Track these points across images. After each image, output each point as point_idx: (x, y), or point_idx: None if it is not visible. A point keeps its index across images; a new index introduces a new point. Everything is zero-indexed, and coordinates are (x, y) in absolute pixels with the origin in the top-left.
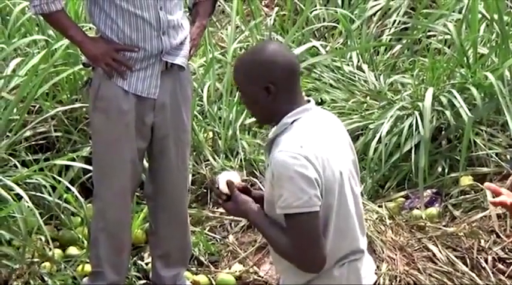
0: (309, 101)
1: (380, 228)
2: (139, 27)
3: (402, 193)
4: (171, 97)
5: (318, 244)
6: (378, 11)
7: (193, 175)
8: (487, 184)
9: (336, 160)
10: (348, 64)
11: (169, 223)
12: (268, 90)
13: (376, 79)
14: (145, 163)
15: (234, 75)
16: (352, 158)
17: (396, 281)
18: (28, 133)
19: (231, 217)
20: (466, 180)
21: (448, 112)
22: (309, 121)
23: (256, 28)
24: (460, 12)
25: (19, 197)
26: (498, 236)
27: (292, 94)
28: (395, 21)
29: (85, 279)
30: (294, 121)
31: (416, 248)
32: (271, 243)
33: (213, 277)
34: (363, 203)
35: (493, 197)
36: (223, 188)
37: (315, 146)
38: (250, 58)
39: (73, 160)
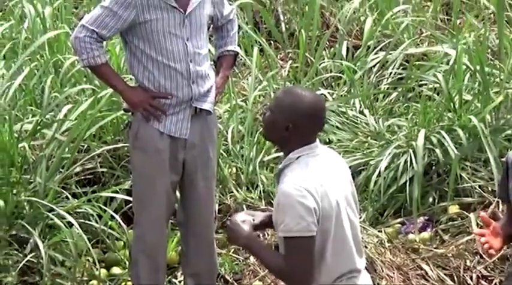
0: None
1: (380, 250)
2: (173, 77)
3: (399, 220)
4: (199, 137)
5: (311, 265)
6: (377, 63)
7: (219, 205)
8: (482, 214)
9: (333, 192)
10: (352, 109)
11: (198, 246)
12: (287, 128)
13: (376, 122)
14: (178, 194)
15: (275, 99)
16: (351, 190)
17: None
18: (78, 169)
19: None
20: (454, 209)
21: (437, 150)
22: (312, 157)
23: (273, 78)
24: (447, 64)
25: (70, 225)
26: (482, 257)
27: (306, 136)
28: (392, 72)
29: None
30: (299, 157)
31: (411, 267)
32: (265, 263)
33: None
34: (365, 228)
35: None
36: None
37: (315, 180)
38: (291, 97)
39: (116, 192)
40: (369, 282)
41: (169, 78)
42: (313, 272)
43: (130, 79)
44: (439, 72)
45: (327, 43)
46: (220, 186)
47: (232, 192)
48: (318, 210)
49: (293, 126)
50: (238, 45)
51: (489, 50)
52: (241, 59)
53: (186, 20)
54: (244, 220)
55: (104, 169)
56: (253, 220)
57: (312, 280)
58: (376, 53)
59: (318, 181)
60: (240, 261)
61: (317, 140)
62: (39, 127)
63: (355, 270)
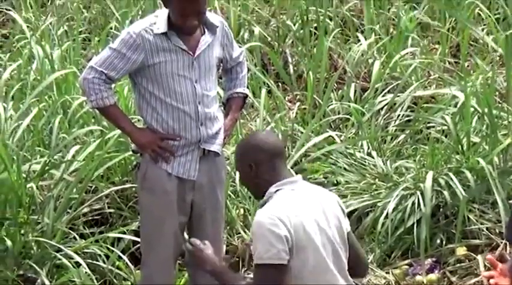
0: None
1: None
2: (181, 119)
3: (406, 261)
4: (208, 179)
5: None
6: (385, 105)
7: (227, 246)
8: (488, 256)
9: (311, 224)
10: (360, 151)
11: None
12: (251, 168)
13: (384, 164)
14: (186, 235)
15: (235, 155)
16: (337, 224)
17: None
18: (86, 210)
19: None
20: (461, 250)
21: (445, 192)
22: (290, 191)
23: (281, 120)
24: (455, 106)
25: (78, 265)
26: None
27: (275, 171)
28: (400, 114)
29: None
30: (277, 190)
31: None
32: None
33: None
34: (372, 269)
35: (487, 268)
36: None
37: (290, 210)
38: (242, 144)
39: (124, 232)
40: None
41: (177, 119)
42: None
43: (139, 120)
44: (447, 115)
45: (335, 85)
46: (228, 227)
47: (239, 233)
48: (290, 239)
49: (254, 164)
50: (247, 87)
51: (497, 93)
52: (249, 101)
53: (194, 62)
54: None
55: (112, 210)
56: None
57: None
58: (384, 95)
59: (293, 211)
60: None
61: (299, 176)
62: (47, 168)
63: None
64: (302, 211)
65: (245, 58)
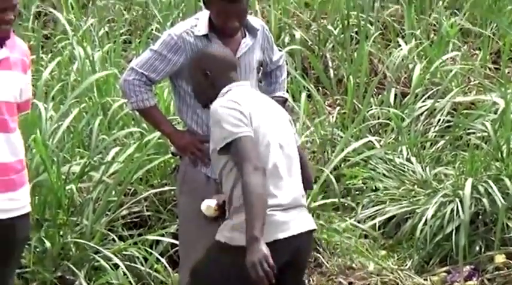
0: None
1: None
2: None
3: (444, 269)
4: None
5: (258, 157)
6: (425, 111)
7: None
8: None
9: (260, 112)
10: (399, 157)
11: None
12: (206, 76)
13: (423, 170)
14: None
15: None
16: (290, 129)
17: None
18: (124, 212)
19: None
20: (500, 258)
21: (484, 200)
22: (239, 89)
23: (321, 124)
24: (495, 113)
25: (116, 267)
26: None
27: (225, 76)
28: (439, 120)
29: None
30: (229, 90)
31: None
32: (254, 204)
33: None
34: (410, 276)
35: None
36: (205, 211)
37: (243, 98)
38: (199, 53)
39: (162, 235)
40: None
41: None
42: (261, 163)
43: (179, 122)
44: (487, 121)
45: (375, 90)
46: None
47: None
48: (248, 117)
49: (210, 72)
50: (287, 91)
51: None
52: (289, 104)
53: None
54: (208, 204)
55: (150, 213)
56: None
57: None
58: (424, 101)
59: (246, 99)
60: None
61: (247, 82)
62: (86, 170)
63: (282, 204)
64: (253, 104)
65: (285, 62)
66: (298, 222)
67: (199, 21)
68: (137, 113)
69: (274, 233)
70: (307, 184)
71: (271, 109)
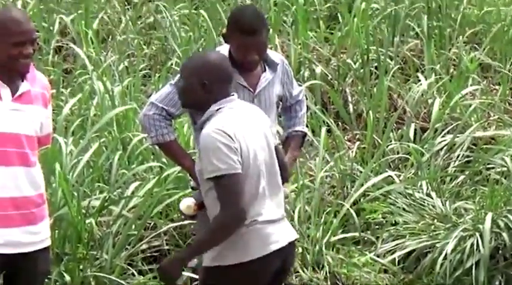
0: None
1: None
2: None
3: None
4: None
5: (242, 199)
6: (444, 145)
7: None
8: None
9: (250, 138)
10: (419, 191)
11: None
12: (203, 86)
13: (443, 205)
14: None
15: (183, 68)
16: (271, 141)
17: None
18: (144, 246)
19: None
20: None
21: (505, 234)
22: (230, 109)
23: (340, 159)
24: None
25: None
26: None
27: (220, 89)
28: (459, 154)
29: None
30: (219, 109)
31: None
32: (208, 240)
33: None
34: None
35: None
36: (185, 211)
37: (234, 125)
38: (199, 59)
39: (182, 270)
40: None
41: None
42: (244, 206)
43: None
44: (507, 156)
45: (395, 125)
46: None
47: (298, 272)
48: (238, 151)
49: (208, 82)
50: (306, 126)
51: None
52: (308, 139)
53: (255, 99)
54: (188, 204)
55: (170, 247)
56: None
57: (245, 214)
58: (443, 136)
59: (236, 126)
60: None
61: (235, 95)
62: (106, 204)
63: (267, 218)
64: (242, 127)
65: (305, 97)
66: (285, 233)
67: None
68: (157, 147)
69: (268, 245)
70: (283, 179)
71: (255, 128)
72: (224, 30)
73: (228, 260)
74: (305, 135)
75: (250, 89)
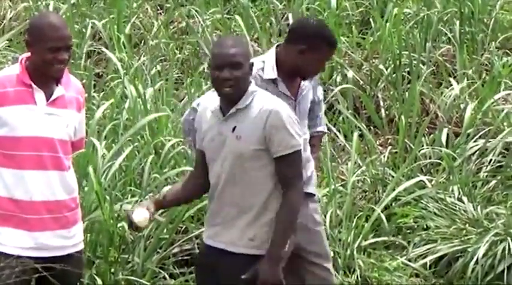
0: None
1: None
2: None
3: None
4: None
5: None
6: (476, 150)
7: None
8: None
9: None
10: (450, 196)
11: None
12: (250, 67)
13: (474, 209)
14: None
15: (233, 56)
16: None
17: None
18: (176, 250)
19: None
20: None
21: None
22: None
23: (372, 164)
24: None
25: None
26: None
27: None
28: (491, 160)
29: None
30: (256, 91)
31: None
32: (291, 221)
33: None
34: None
35: None
36: (140, 223)
37: None
38: (242, 43)
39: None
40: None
41: None
42: None
43: None
44: None
45: (426, 129)
46: None
47: None
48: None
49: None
50: (338, 130)
51: None
52: (340, 144)
53: (296, 107)
54: (145, 216)
55: None
56: (151, 209)
57: None
58: (475, 141)
59: None
60: None
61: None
62: None
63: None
64: None
65: (323, 96)
66: None
67: (266, 65)
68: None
69: None
70: None
71: None
72: (301, 46)
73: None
74: (324, 134)
75: (292, 98)
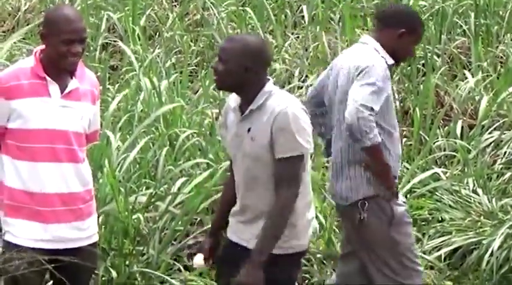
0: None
1: None
2: (397, 149)
3: None
4: None
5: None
6: (491, 142)
7: None
8: None
9: None
10: (465, 188)
11: None
12: (246, 70)
13: (489, 202)
14: None
15: (223, 51)
16: None
17: None
18: (191, 242)
19: None
20: None
21: None
22: (280, 90)
23: None
24: None
25: None
26: None
27: (263, 73)
28: (506, 152)
29: None
30: (272, 90)
31: None
32: (280, 224)
33: None
34: None
35: None
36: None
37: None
38: (244, 43)
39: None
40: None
41: (398, 151)
42: None
43: None
44: None
45: (441, 122)
46: None
47: None
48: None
49: (251, 66)
50: None
51: None
52: None
53: None
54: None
55: None
56: (205, 249)
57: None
58: (490, 133)
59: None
60: None
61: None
62: (153, 200)
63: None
64: None
65: None
66: None
67: (380, 53)
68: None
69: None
70: None
71: None
72: (401, 29)
73: (297, 248)
74: None
75: None
